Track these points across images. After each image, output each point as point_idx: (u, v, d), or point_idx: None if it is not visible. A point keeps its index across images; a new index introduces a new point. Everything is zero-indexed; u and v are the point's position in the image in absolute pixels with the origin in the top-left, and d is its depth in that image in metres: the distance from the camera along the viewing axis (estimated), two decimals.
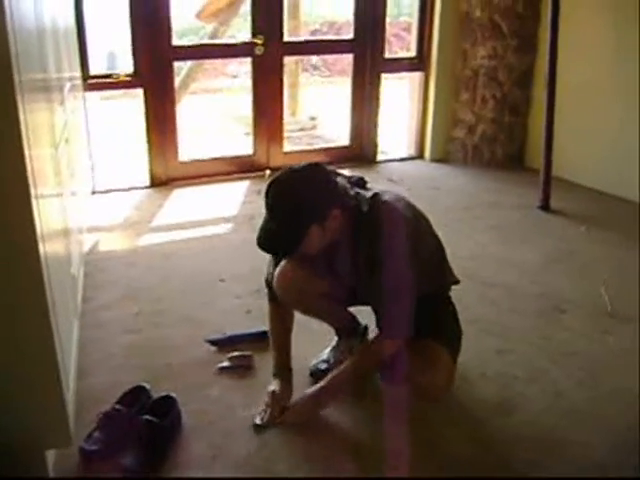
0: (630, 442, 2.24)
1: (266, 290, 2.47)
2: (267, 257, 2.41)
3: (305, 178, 2.10)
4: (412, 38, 5.55)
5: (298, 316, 2.49)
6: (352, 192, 2.19)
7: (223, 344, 2.78)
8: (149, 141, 4.83)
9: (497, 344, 2.84)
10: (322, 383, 2.31)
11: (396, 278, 2.11)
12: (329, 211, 2.07)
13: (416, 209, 2.31)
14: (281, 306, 2.44)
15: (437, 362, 2.22)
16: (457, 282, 2.43)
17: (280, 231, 2.07)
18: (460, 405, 2.46)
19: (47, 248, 1.88)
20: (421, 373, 2.17)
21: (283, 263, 2.32)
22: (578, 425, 2.34)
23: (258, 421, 2.30)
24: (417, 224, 2.24)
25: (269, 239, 2.09)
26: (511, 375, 2.63)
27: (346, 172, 2.39)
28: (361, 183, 2.27)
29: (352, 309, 2.60)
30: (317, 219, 2.06)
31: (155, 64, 4.67)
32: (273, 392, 2.36)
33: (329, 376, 2.33)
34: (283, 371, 2.44)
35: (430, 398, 2.32)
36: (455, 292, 2.46)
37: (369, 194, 2.19)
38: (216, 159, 5.27)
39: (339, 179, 2.20)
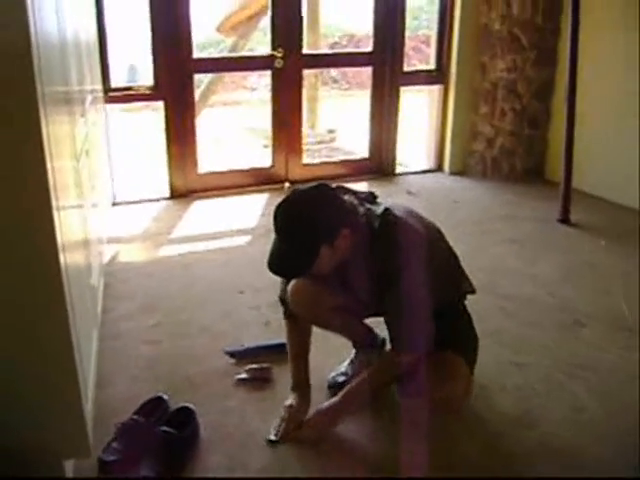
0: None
1: (281, 307, 2.47)
2: None
3: (312, 199, 2.08)
4: (431, 51, 5.56)
5: (315, 329, 2.49)
6: (362, 209, 2.18)
7: (241, 356, 2.78)
8: (169, 153, 4.86)
9: (516, 357, 2.82)
10: (337, 397, 2.31)
11: (411, 293, 2.11)
12: (338, 231, 2.05)
13: (426, 221, 2.31)
14: (298, 322, 2.44)
15: (455, 373, 2.22)
16: (473, 291, 2.42)
17: (290, 254, 2.06)
18: (478, 418, 2.45)
19: (67, 259, 1.90)
20: (439, 384, 2.17)
21: (297, 279, 2.33)
22: (597, 440, 2.31)
23: (272, 437, 2.29)
24: (429, 236, 2.24)
25: (280, 262, 2.08)
26: (530, 388, 2.61)
27: (364, 185, 2.39)
28: (370, 198, 2.26)
29: (369, 321, 2.60)
30: (326, 240, 2.04)
31: (175, 77, 4.70)
32: (290, 406, 2.36)
33: (344, 390, 2.32)
34: (301, 386, 2.44)
35: (448, 409, 2.31)
36: (473, 305, 2.46)
37: (379, 210, 2.18)
38: (235, 171, 5.29)
39: (347, 197, 2.19)
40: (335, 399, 2.31)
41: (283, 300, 2.43)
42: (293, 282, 2.34)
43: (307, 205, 2.08)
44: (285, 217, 2.07)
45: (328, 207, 2.07)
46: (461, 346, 2.30)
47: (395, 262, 2.09)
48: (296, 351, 2.47)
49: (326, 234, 2.04)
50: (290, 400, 2.39)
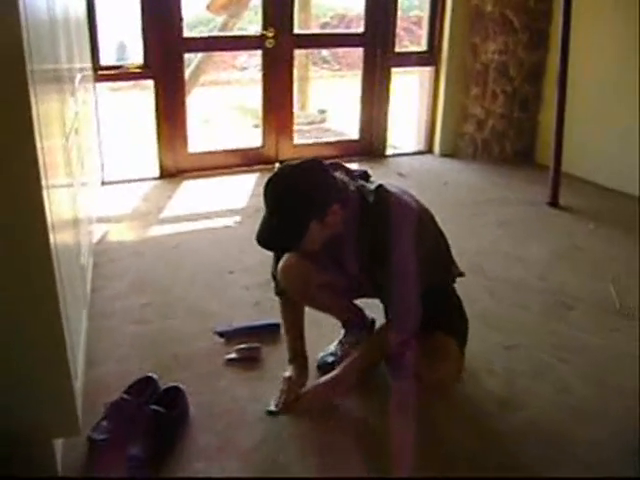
0: (636, 440, 2.23)
1: (273, 284, 2.48)
2: None
3: (303, 174, 2.08)
4: (423, 32, 5.54)
5: (307, 310, 2.50)
6: (354, 185, 2.19)
7: (231, 336, 2.79)
8: (159, 132, 4.84)
9: (504, 339, 2.84)
10: (335, 371, 2.33)
11: (404, 267, 2.13)
12: (328, 207, 2.06)
13: (420, 202, 2.33)
14: (290, 298, 2.45)
15: (446, 353, 2.25)
16: (462, 274, 2.45)
17: (280, 228, 2.06)
18: (467, 400, 2.46)
19: (57, 238, 1.89)
20: (431, 364, 2.20)
21: (287, 256, 2.34)
22: (584, 422, 2.34)
23: (272, 407, 2.31)
24: (421, 215, 2.27)
25: (269, 236, 2.09)
26: (518, 371, 2.63)
27: (354, 166, 2.39)
28: (364, 176, 2.28)
29: (359, 302, 2.61)
30: (317, 215, 2.05)
31: (165, 55, 4.67)
32: (289, 378, 2.38)
33: (340, 366, 2.34)
34: (298, 358, 2.46)
35: (439, 389, 2.34)
36: (462, 286, 2.47)
37: (373, 186, 2.19)
38: (225, 151, 5.28)
39: (338, 173, 2.19)
40: (333, 373, 2.33)
41: (274, 276, 2.44)
42: (283, 259, 2.35)
43: (298, 180, 2.07)
44: (276, 191, 2.07)
45: (319, 182, 2.07)
46: (452, 327, 2.33)
47: (389, 235, 2.10)
48: (291, 324, 2.49)
49: (316, 209, 2.05)
50: (288, 372, 2.41)
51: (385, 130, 5.49)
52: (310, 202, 2.04)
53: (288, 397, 2.33)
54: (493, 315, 3.03)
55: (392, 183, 2.32)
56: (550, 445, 2.22)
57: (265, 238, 2.09)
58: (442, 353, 2.23)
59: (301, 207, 2.04)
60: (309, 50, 7.50)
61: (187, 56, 5.24)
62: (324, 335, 2.71)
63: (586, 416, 2.37)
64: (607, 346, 2.82)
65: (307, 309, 2.50)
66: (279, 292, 2.47)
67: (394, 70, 5.36)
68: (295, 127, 5.38)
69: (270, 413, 2.30)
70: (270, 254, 2.45)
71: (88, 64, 4.15)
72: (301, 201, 2.04)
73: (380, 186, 2.19)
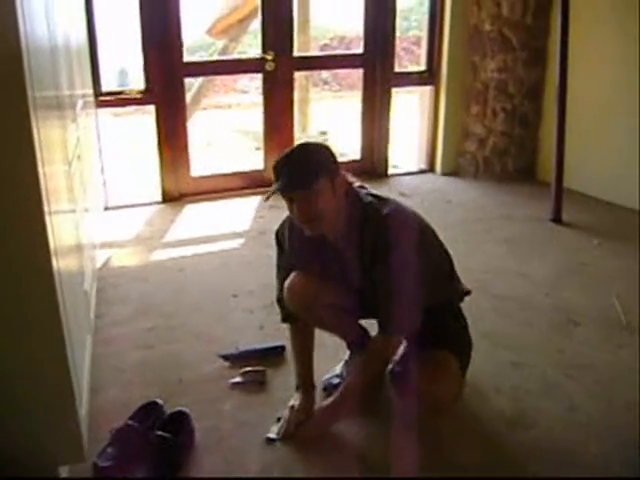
0: None
1: (278, 310, 2.48)
2: None
3: (318, 145, 2.24)
4: (422, 52, 5.56)
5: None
6: (360, 190, 2.26)
7: (236, 359, 2.78)
8: (161, 157, 4.85)
9: (511, 357, 2.82)
10: (334, 396, 2.33)
11: (401, 267, 2.13)
12: (337, 172, 2.15)
13: (423, 220, 2.34)
14: (298, 323, 2.45)
15: (446, 369, 2.23)
16: (469, 293, 2.44)
17: (296, 170, 2.10)
18: (473, 418, 2.45)
19: (60, 264, 1.89)
20: (429, 381, 2.18)
21: (292, 275, 2.34)
22: (593, 438, 2.32)
23: (273, 435, 2.30)
24: (426, 230, 2.30)
25: (285, 180, 2.11)
26: (525, 388, 2.61)
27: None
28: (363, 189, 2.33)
29: (364, 323, 2.60)
30: (327, 170, 2.12)
31: (166, 80, 4.69)
32: (292, 407, 2.37)
33: (340, 387, 2.34)
34: (306, 386, 2.45)
35: (437, 408, 2.29)
36: (467, 304, 2.46)
37: (374, 194, 2.27)
38: (227, 174, 5.29)
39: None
40: (332, 397, 2.33)
41: (280, 301, 2.44)
42: (289, 278, 2.35)
43: (312, 144, 2.29)
44: (291, 150, 2.16)
45: (328, 153, 2.18)
46: (455, 347, 2.31)
47: (389, 243, 2.13)
48: (299, 351, 2.49)
49: (327, 165, 2.14)
50: (293, 401, 2.40)
51: (386, 150, 5.50)
52: (321, 159, 2.14)
53: (289, 426, 2.32)
54: (499, 333, 3.02)
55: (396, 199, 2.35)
56: (558, 462, 2.20)
57: (283, 183, 2.11)
58: (442, 368, 2.22)
59: (313, 159, 2.13)
60: (309, 72, 7.53)
61: (188, 80, 5.26)
62: (328, 356, 2.70)
63: (594, 433, 2.35)
64: (614, 362, 2.80)
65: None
66: (285, 318, 2.47)
67: (394, 90, 5.37)
68: None
69: (270, 441, 2.29)
70: (273, 277, 2.45)
71: (89, 90, 4.18)
72: (314, 155, 2.15)
73: (385, 198, 2.25)
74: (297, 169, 2.11)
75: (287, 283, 2.35)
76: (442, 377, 2.21)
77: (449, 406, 2.32)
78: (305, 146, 2.23)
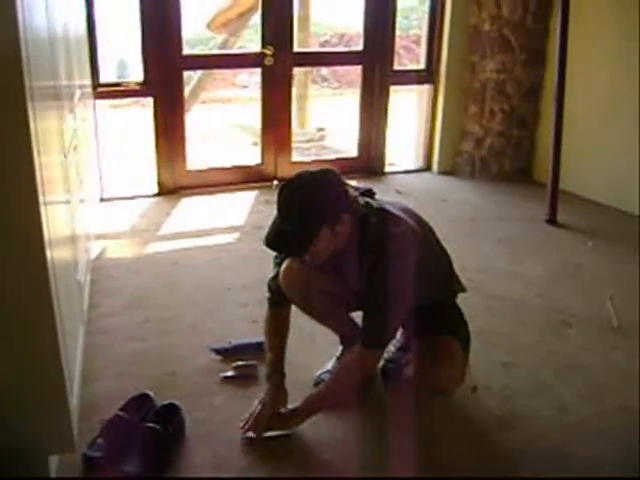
0: (635, 457, 2.22)
1: (268, 294, 2.45)
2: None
3: (319, 181, 2.11)
4: (421, 51, 5.57)
5: (303, 326, 2.49)
6: (362, 201, 2.21)
7: (228, 353, 2.78)
8: (158, 149, 4.85)
9: (502, 357, 2.83)
10: (297, 405, 2.31)
11: (390, 290, 2.12)
12: (340, 215, 2.08)
13: (423, 220, 2.34)
14: (279, 312, 2.43)
15: (450, 352, 2.28)
16: (464, 290, 2.47)
17: (291, 231, 2.06)
18: (464, 417, 2.45)
19: (54, 254, 1.89)
20: (435, 364, 2.23)
21: (289, 260, 2.34)
22: (583, 440, 2.33)
23: (243, 433, 2.27)
24: (424, 235, 2.28)
25: (279, 238, 2.08)
26: (516, 388, 2.62)
27: (354, 183, 2.40)
28: (368, 194, 2.29)
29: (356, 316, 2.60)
30: (328, 221, 2.07)
31: (165, 73, 4.69)
32: (264, 403, 2.33)
33: (305, 399, 2.32)
34: (275, 374, 2.38)
35: (443, 391, 2.36)
36: (461, 304, 2.47)
37: (377, 204, 2.22)
38: (224, 168, 5.29)
39: (349, 188, 2.22)
40: (295, 405, 2.31)
41: (271, 286, 2.42)
42: (286, 263, 2.34)
43: (313, 186, 2.10)
44: (291, 195, 2.09)
45: (333, 190, 2.11)
46: (455, 330, 2.36)
47: (385, 258, 2.11)
48: (276, 338, 2.43)
49: (328, 216, 2.07)
50: (263, 395, 2.35)
51: (384, 148, 5.50)
52: (323, 208, 2.07)
53: (256, 420, 2.28)
54: (492, 332, 3.03)
55: (395, 201, 2.37)
56: (549, 462, 2.21)
57: (275, 240, 2.09)
58: (446, 353, 2.26)
59: (314, 212, 2.06)
60: (308, 68, 7.52)
61: (187, 74, 5.25)
62: (320, 352, 2.71)
63: (584, 434, 2.36)
64: (605, 364, 2.81)
65: (302, 326, 2.48)
66: (272, 304, 2.44)
67: (393, 88, 5.37)
68: (294, 145, 5.39)
69: (246, 438, 2.27)
70: (268, 271, 2.45)
71: (88, 81, 4.17)
72: (314, 206, 2.06)
73: (384, 206, 2.22)
74: (292, 227, 2.05)
75: (283, 266, 2.35)
76: (447, 359, 2.27)
77: (454, 388, 2.38)
78: (308, 186, 2.10)
